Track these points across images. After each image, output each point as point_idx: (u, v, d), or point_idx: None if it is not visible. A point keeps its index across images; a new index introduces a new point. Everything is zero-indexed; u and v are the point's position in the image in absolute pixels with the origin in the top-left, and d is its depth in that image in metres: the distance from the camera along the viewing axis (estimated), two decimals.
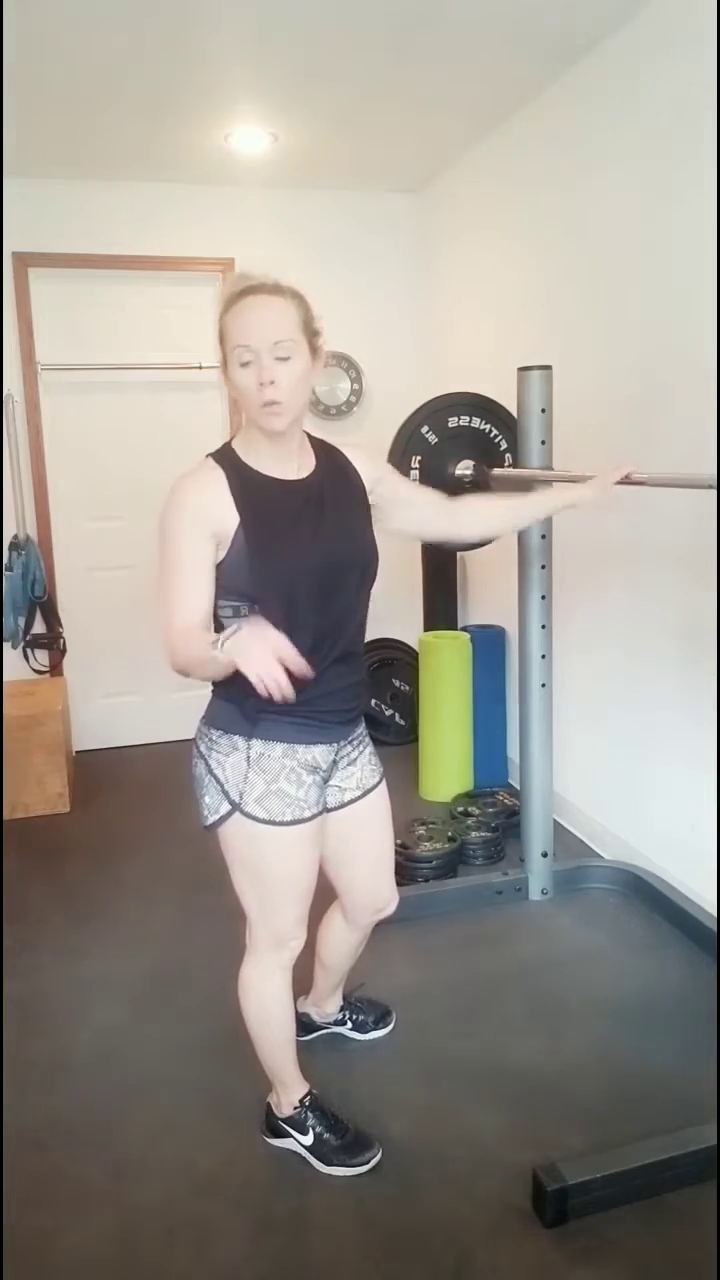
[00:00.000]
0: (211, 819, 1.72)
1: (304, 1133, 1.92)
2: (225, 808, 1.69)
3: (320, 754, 1.74)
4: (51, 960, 2.70)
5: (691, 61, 2.44)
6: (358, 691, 1.79)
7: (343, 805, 1.84)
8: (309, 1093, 1.95)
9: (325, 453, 1.75)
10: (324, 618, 1.65)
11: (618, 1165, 1.77)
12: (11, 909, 2.98)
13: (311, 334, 1.62)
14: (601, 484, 2.10)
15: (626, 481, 2.14)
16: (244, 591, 1.60)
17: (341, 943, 2.11)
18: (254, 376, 1.54)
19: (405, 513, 1.88)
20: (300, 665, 1.40)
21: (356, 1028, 2.32)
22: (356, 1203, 1.81)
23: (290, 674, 1.38)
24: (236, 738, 1.68)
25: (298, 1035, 1.96)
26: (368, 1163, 1.89)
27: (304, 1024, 2.25)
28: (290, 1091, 1.94)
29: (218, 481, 1.61)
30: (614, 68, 2.81)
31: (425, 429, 2.77)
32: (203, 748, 1.73)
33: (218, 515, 1.58)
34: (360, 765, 1.86)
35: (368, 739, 1.91)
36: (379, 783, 1.91)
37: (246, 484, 1.61)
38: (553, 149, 3.22)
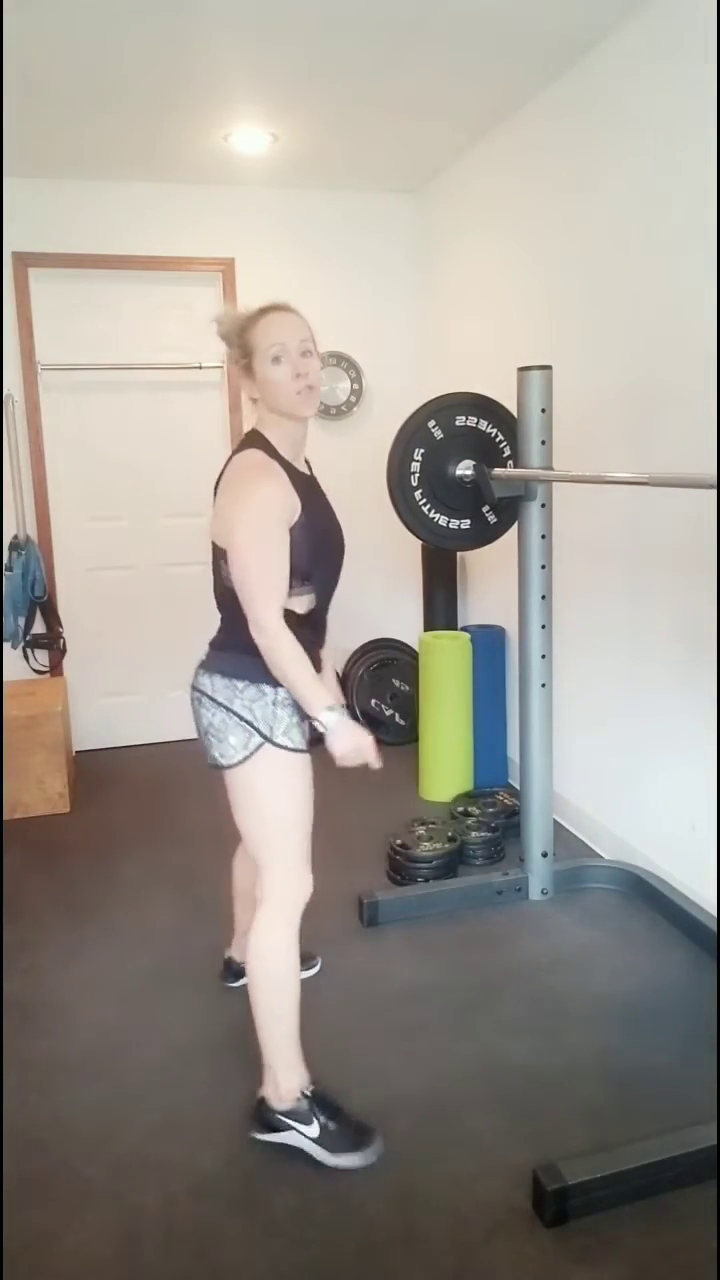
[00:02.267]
0: (239, 756, 1.88)
1: (308, 1123, 1.91)
2: (256, 741, 1.87)
3: None
4: (51, 960, 2.70)
5: (691, 62, 2.44)
6: None
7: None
8: (311, 1083, 1.95)
9: None
10: (333, 585, 2.00)
11: (618, 1165, 1.77)
12: (11, 909, 2.98)
13: (317, 345, 1.91)
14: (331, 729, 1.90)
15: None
16: (302, 568, 1.84)
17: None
18: (287, 370, 1.82)
19: None
20: (376, 762, 1.85)
21: None
22: (357, 1203, 1.81)
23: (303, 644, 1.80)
24: (264, 685, 1.87)
25: (230, 982, 2.13)
26: (375, 1154, 1.91)
27: (236, 971, 2.45)
28: (291, 1075, 1.93)
29: (281, 474, 1.83)
30: (613, 68, 2.81)
31: (432, 423, 2.76)
32: (221, 697, 1.89)
33: (291, 505, 1.82)
34: None
35: None
36: None
37: (293, 476, 1.85)
38: (552, 149, 3.22)
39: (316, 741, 1.91)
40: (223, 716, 1.89)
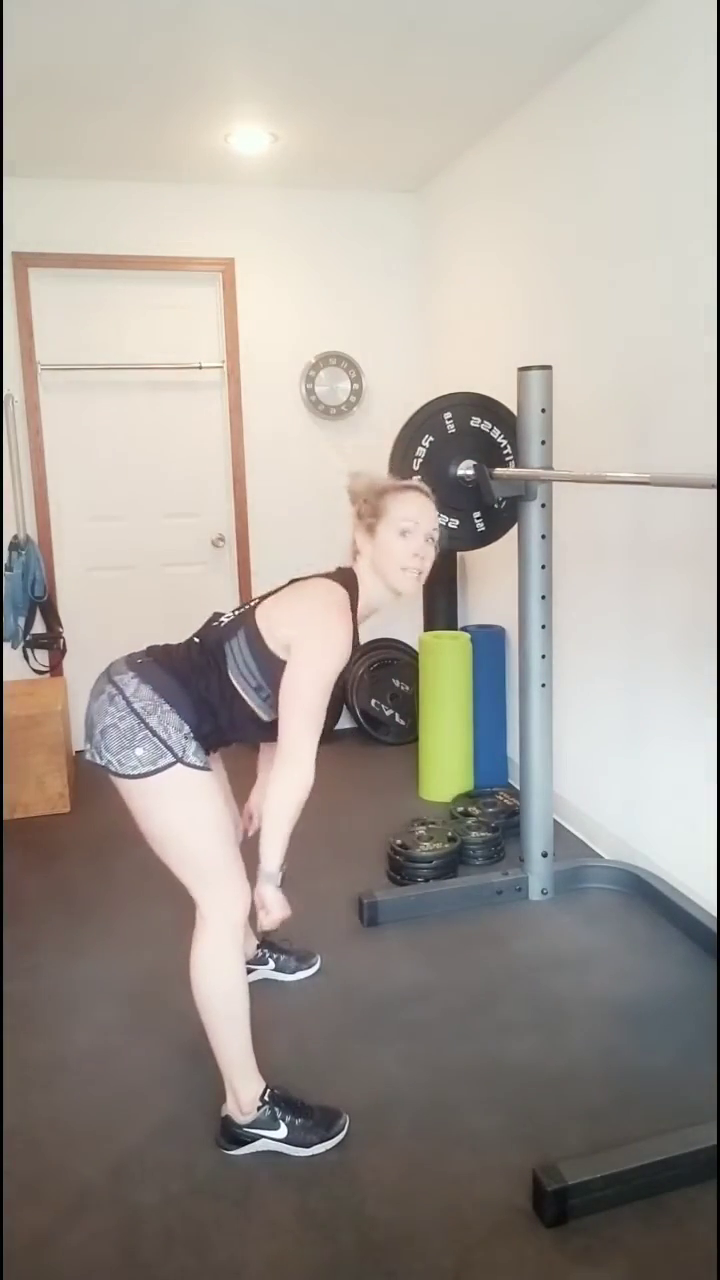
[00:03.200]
0: (143, 769, 1.81)
1: (275, 1128, 1.92)
2: (167, 760, 1.81)
3: None
4: (51, 960, 2.70)
5: (691, 61, 2.44)
6: None
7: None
8: (267, 1087, 1.95)
9: None
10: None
11: (618, 1165, 1.77)
12: (11, 909, 2.98)
13: None
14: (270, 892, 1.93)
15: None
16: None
17: None
18: (409, 547, 1.92)
19: None
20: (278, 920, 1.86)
21: (280, 968, 2.53)
22: (356, 1203, 1.81)
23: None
24: (186, 717, 1.85)
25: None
26: (343, 1129, 1.94)
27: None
28: (249, 1085, 1.93)
29: (352, 628, 1.91)
30: (613, 67, 2.81)
31: (434, 423, 2.76)
32: (139, 706, 1.83)
33: (345, 658, 1.88)
34: None
35: None
36: None
37: (350, 630, 1.91)
38: (552, 148, 3.22)
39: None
40: (132, 724, 1.82)
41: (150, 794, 1.83)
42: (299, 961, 2.57)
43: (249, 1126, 1.93)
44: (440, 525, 2.02)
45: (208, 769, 1.88)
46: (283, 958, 2.56)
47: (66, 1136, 2.01)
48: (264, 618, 1.90)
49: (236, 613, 1.99)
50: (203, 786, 1.86)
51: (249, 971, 2.42)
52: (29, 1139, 2.00)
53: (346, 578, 1.97)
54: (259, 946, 2.56)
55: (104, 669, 1.96)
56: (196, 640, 1.98)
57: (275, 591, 2.00)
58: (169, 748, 1.81)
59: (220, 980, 1.89)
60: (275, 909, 1.84)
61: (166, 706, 1.84)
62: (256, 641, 1.88)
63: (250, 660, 1.88)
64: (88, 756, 1.90)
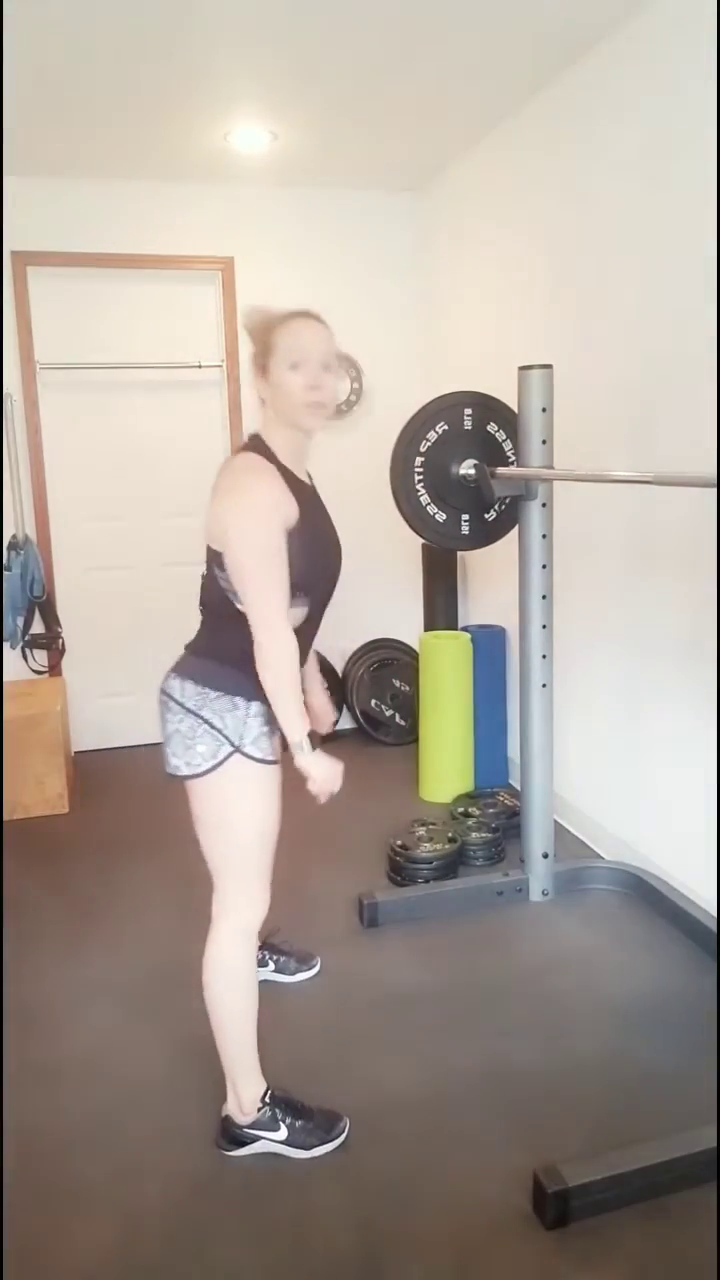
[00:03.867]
0: (206, 765, 1.82)
1: (275, 1129, 1.91)
2: (225, 750, 1.81)
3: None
4: (51, 961, 2.69)
5: (692, 60, 2.44)
6: None
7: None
8: (269, 1089, 1.95)
9: None
10: (327, 599, 1.94)
11: (619, 1167, 1.77)
12: (11, 909, 2.98)
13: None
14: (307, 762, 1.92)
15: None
16: (294, 580, 1.77)
17: None
18: (303, 379, 1.77)
19: None
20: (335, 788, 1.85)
21: (280, 969, 2.53)
22: (356, 1204, 1.81)
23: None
24: (238, 698, 1.82)
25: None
26: (343, 1131, 1.94)
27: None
28: (250, 1086, 1.93)
29: (279, 478, 1.78)
30: (614, 66, 2.80)
31: (435, 423, 2.76)
32: (191, 703, 1.83)
33: (288, 510, 1.76)
34: None
35: None
36: None
37: (290, 483, 1.80)
38: (553, 147, 3.21)
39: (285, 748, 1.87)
40: (191, 723, 1.82)
41: (213, 787, 1.84)
42: (299, 963, 2.56)
43: (249, 1128, 1.93)
44: (342, 354, 1.87)
45: (271, 761, 1.86)
46: (283, 959, 2.55)
47: (66, 1137, 2.01)
48: (214, 540, 1.81)
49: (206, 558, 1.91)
50: (263, 783, 1.85)
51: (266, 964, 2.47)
52: (29, 1139, 2.00)
53: (254, 441, 1.85)
54: (260, 948, 2.54)
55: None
56: (201, 605, 1.92)
57: None
58: (225, 736, 1.80)
59: (232, 976, 1.89)
60: (319, 773, 1.80)
61: (213, 694, 1.82)
62: (218, 560, 1.80)
63: (228, 580, 1.79)
64: (168, 774, 1.89)
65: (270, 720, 1.84)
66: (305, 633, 1.88)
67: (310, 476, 1.93)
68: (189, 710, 1.83)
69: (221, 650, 1.83)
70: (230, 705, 1.81)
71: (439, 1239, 1.73)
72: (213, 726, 1.81)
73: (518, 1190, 1.81)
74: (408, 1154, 1.93)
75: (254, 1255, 1.71)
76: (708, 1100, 2.02)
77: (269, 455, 1.81)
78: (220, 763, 1.81)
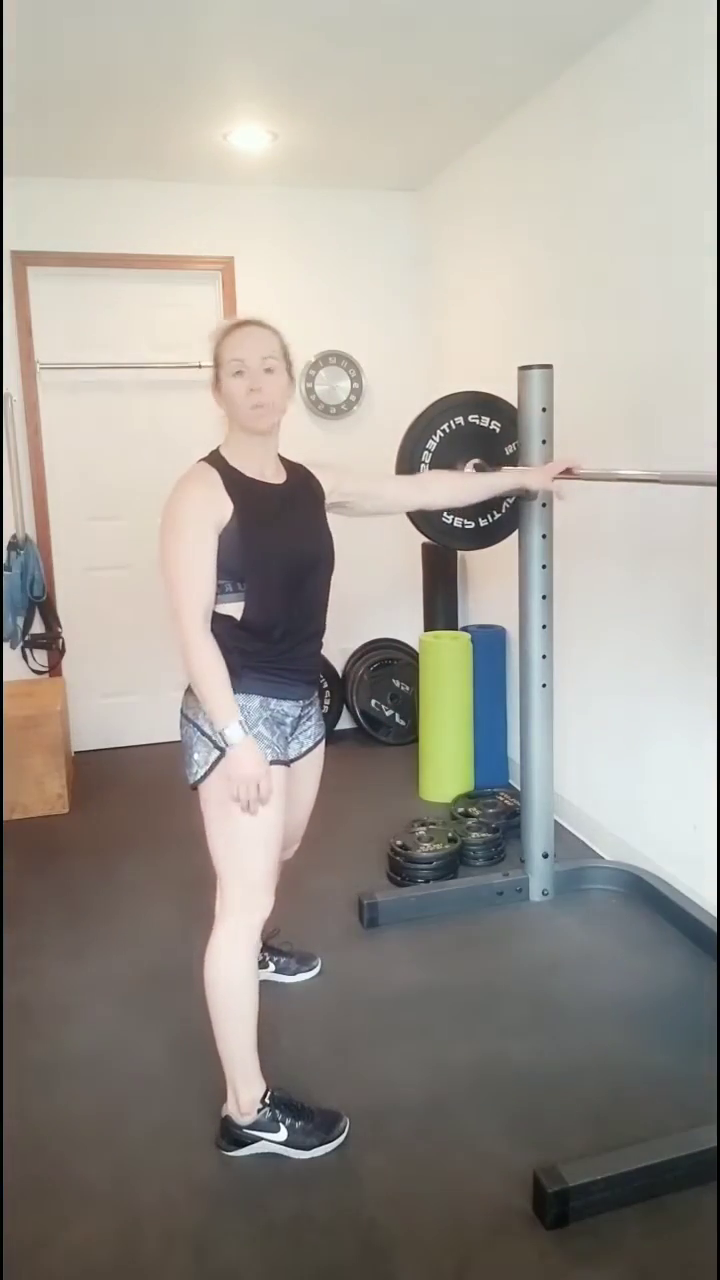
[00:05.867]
0: (202, 771, 1.86)
1: (275, 1130, 1.92)
2: (215, 754, 1.83)
3: (288, 708, 1.96)
4: (51, 961, 2.69)
5: (692, 60, 2.44)
6: (319, 660, 2.08)
7: (300, 755, 2.04)
8: (268, 1089, 1.95)
9: (293, 468, 2.05)
10: (297, 601, 1.93)
11: (619, 1167, 1.77)
12: (11, 910, 2.98)
13: (289, 360, 1.95)
14: (544, 475, 2.50)
15: (568, 475, 2.44)
16: (233, 571, 1.82)
17: None
18: (244, 384, 1.85)
19: (375, 498, 2.25)
20: (262, 800, 1.82)
21: (281, 970, 2.54)
22: (356, 1204, 1.81)
23: (257, 652, 1.86)
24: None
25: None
26: (343, 1132, 1.94)
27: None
28: (250, 1086, 1.93)
29: (214, 479, 1.85)
30: (615, 66, 2.80)
31: (440, 423, 2.76)
32: (189, 712, 1.90)
33: (218, 508, 1.82)
34: (314, 721, 2.10)
35: (317, 700, 2.15)
36: (324, 737, 2.16)
37: (237, 482, 1.86)
38: (553, 147, 3.21)
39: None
40: (188, 731, 1.89)
41: (211, 790, 1.86)
42: (299, 963, 2.56)
43: (249, 1128, 1.93)
44: (285, 347, 1.93)
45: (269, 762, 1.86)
46: (283, 960, 2.55)
47: (66, 1137, 2.01)
48: None
49: None
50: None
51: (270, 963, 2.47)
52: (29, 1139, 2.00)
53: (212, 451, 1.93)
54: (260, 949, 2.54)
55: None
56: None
57: None
58: (213, 741, 1.83)
59: (232, 977, 1.90)
60: (240, 770, 1.79)
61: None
62: None
63: None
64: (189, 786, 1.92)
65: (265, 721, 1.88)
66: (269, 630, 1.87)
67: (294, 473, 2.01)
68: (188, 719, 1.90)
69: (216, 649, 1.85)
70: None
71: (439, 1239, 1.72)
72: (203, 732, 1.85)
73: (518, 1190, 1.81)
74: (408, 1154, 1.93)
75: (254, 1255, 1.71)
76: (708, 1100, 2.02)
77: (215, 460, 1.89)
78: (213, 766, 1.84)
